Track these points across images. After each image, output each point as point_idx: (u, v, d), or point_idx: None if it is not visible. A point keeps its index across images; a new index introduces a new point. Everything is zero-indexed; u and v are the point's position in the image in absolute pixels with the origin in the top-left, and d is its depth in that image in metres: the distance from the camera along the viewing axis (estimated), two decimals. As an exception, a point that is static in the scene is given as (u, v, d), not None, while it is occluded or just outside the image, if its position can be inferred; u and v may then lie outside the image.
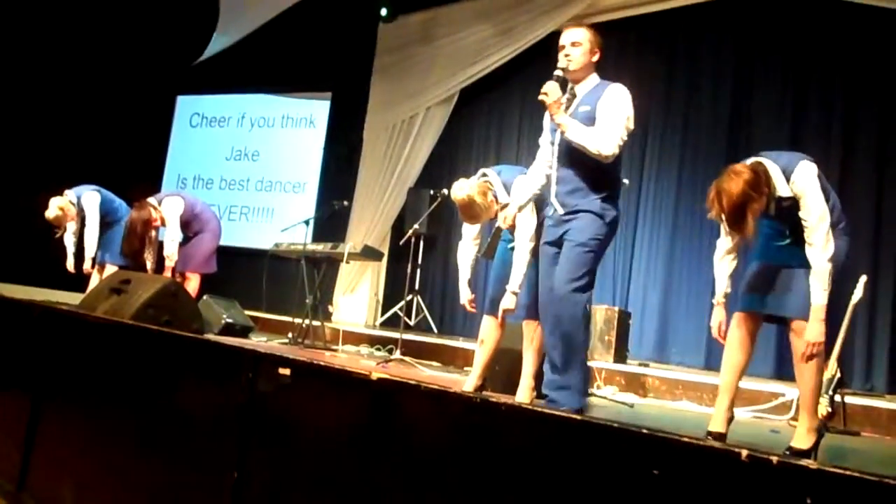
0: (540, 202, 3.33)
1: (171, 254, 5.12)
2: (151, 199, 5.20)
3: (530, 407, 1.18)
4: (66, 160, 7.63)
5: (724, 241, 2.87)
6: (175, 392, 1.85)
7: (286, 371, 1.56)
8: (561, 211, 3.06)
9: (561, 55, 3.06)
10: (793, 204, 2.68)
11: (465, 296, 3.60)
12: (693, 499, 0.95)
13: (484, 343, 3.52)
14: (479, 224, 3.66)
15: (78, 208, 5.43)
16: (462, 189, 3.49)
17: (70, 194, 5.47)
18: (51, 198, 5.44)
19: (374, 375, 1.41)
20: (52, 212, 5.36)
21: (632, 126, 3.03)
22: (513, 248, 3.38)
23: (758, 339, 2.93)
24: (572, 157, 3.02)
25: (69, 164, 7.20)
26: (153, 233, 5.20)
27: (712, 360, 5.77)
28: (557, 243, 3.06)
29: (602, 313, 5.33)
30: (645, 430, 1.01)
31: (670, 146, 6.57)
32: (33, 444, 2.27)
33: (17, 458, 2.28)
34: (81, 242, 5.43)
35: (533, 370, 3.40)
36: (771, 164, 2.68)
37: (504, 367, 3.92)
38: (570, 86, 3.08)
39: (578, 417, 1.08)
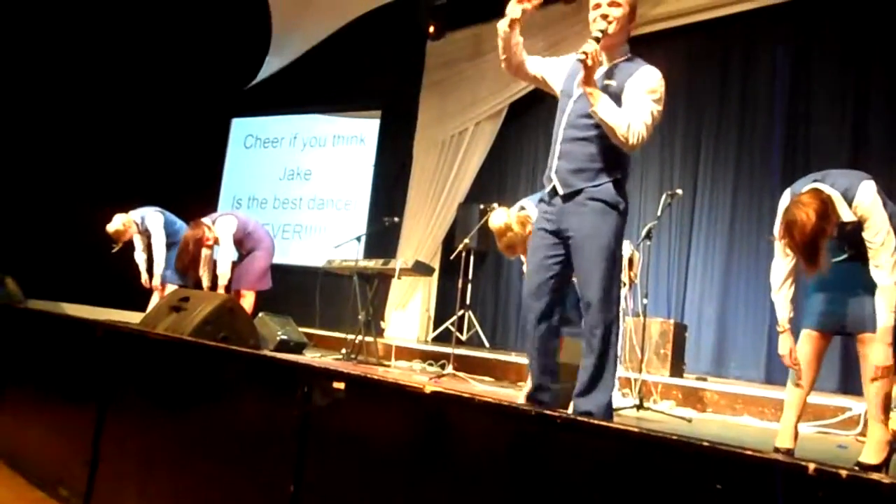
0: None
1: (223, 272, 5.24)
2: (206, 219, 5.34)
3: (587, 420, 1.16)
4: (126, 183, 7.88)
5: (782, 266, 2.76)
6: (233, 406, 1.88)
7: (340, 385, 1.58)
8: (562, 191, 2.68)
9: (595, 14, 2.62)
10: (855, 227, 2.62)
11: None
12: (758, 514, 0.91)
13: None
14: (516, 256, 3.64)
15: (142, 228, 5.65)
16: (500, 217, 3.50)
17: (134, 214, 5.70)
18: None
19: (428, 389, 1.41)
20: (113, 225, 5.62)
21: (660, 119, 2.66)
22: None
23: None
24: (585, 130, 2.65)
25: (129, 187, 7.42)
26: (209, 252, 5.32)
27: (773, 374, 5.61)
28: (557, 233, 2.70)
29: (657, 326, 5.23)
30: (706, 443, 0.98)
31: (725, 153, 6.44)
32: (98, 458, 2.33)
33: (83, 472, 2.35)
34: (151, 260, 5.65)
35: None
36: (831, 190, 2.61)
37: (566, 384, 3.88)
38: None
39: (637, 430, 1.06)
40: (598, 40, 2.53)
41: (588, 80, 2.55)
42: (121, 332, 2.47)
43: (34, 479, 2.65)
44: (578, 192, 2.65)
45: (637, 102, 2.58)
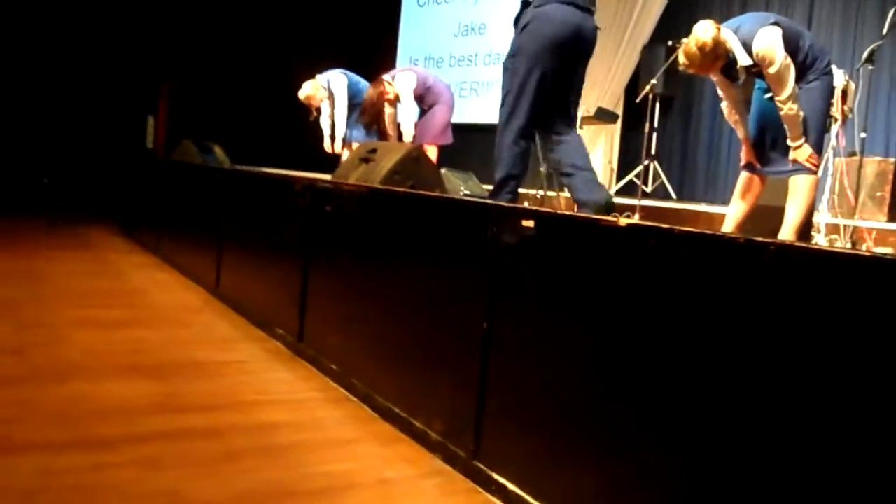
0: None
1: (407, 129, 5.32)
2: (386, 76, 5.40)
3: (803, 246, 1.04)
4: (308, 50, 8.14)
5: None
6: (424, 249, 1.94)
7: (530, 223, 1.55)
8: None
9: None
10: None
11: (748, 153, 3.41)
12: None
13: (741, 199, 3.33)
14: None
15: (329, 92, 5.84)
16: (707, 31, 3.14)
17: (321, 78, 5.89)
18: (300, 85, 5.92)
19: (623, 222, 1.34)
20: (303, 92, 5.87)
21: None
22: (769, 96, 3.04)
23: None
24: None
25: (312, 54, 7.66)
26: (391, 109, 5.41)
27: None
28: None
29: (874, 166, 4.70)
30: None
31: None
32: (307, 302, 2.54)
33: (295, 314, 2.58)
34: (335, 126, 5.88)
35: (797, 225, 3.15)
36: None
37: (763, 226, 3.64)
38: None
39: (869, 254, 0.93)
40: None
41: None
42: (316, 186, 2.60)
43: (255, 320, 2.96)
44: None
45: None
